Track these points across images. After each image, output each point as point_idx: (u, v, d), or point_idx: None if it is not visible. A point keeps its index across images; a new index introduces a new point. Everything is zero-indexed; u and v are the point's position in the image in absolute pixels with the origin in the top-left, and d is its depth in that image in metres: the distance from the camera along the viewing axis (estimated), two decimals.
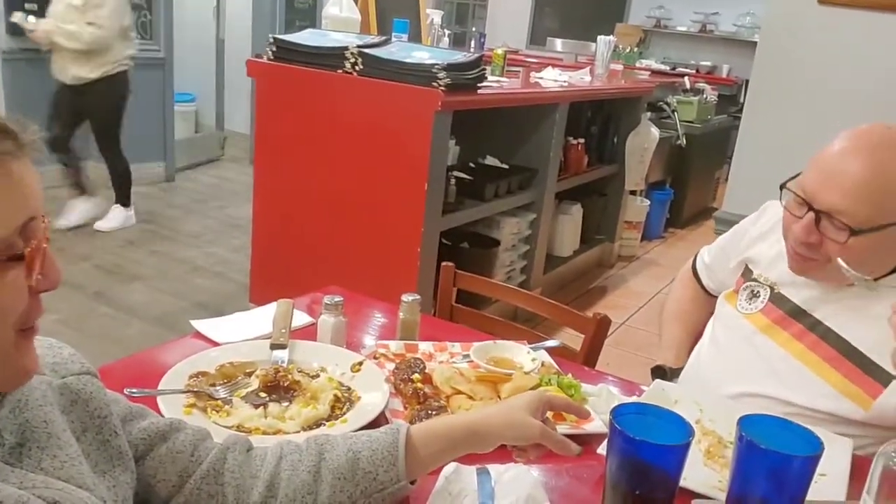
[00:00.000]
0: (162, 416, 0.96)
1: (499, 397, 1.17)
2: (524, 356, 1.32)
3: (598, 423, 1.12)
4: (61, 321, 3.22)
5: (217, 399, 1.09)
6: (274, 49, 2.83)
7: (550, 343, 1.44)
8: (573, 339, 1.66)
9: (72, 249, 4.05)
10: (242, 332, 1.35)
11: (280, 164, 2.99)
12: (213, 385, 1.13)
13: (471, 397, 1.16)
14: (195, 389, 1.10)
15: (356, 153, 2.75)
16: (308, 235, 2.96)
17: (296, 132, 2.89)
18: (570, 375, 1.23)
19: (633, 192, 4.60)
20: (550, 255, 3.90)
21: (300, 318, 1.44)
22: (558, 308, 1.65)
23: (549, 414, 1.09)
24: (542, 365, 1.28)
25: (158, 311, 3.43)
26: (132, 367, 1.22)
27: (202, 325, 1.37)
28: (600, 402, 1.20)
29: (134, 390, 1.06)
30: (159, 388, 1.08)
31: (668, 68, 7.17)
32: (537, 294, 3.63)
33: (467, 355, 1.31)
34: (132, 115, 4.48)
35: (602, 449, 1.07)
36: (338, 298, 1.30)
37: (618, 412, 0.88)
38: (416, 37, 3.82)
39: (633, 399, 1.21)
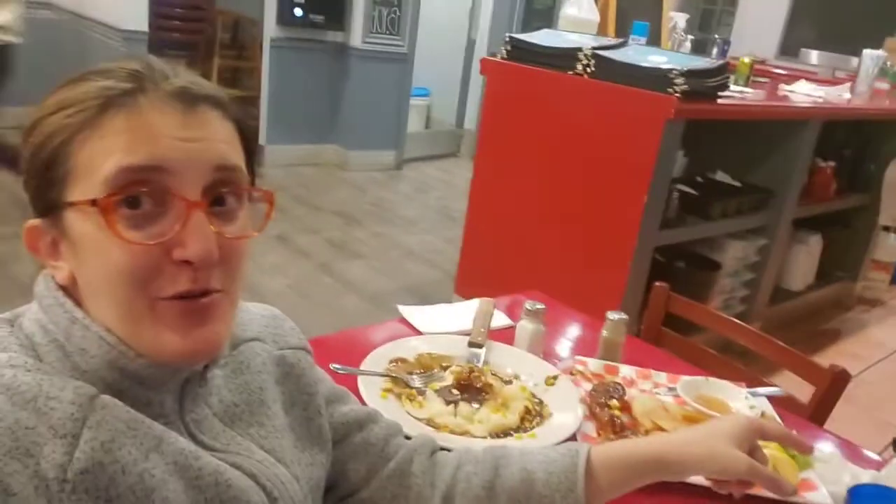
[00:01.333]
0: (361, 397, 0.99)
1: None
2: (741, 401, 1.18)
3: (823, 494, 0.96)
4: (290, 286, 3.54)
5: (412, 388, 1.10)
6: (508, 48, 2.84)
7: (773, 391, 1.27)
8: (797, 386, 1.46)
9: (305, 221, 4.44)
10: (444, 323, 1.36)
11: (499, 162, 3.01)
12: (411, 373, 1.14)
13: None
14: (394, 374, 1.11)
15: (576, 157, 2.68)
16: (517, 235, 2.95)
17: (519, 132, 2.89)
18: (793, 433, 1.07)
19: (885, 228, 4.01)
20: (779, 287, 3.53)
21: (500, 319, 1.42)
22: (788, 353, 1.46)
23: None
24: (762, 415, 1.14)
25: (372, 288, 3.63)
26: (341, 342, 1.28)
27: (408, 312, 1.40)
28: (828, 469, 1.03)
29: (338, 367, 1.11)
30: (361, 367, 1.11)
31: None
32: (757, 329, 3.32)
33: (674, 388, 1.20)
34: (369, 105, 4.77)
35: None
36: (539, 306, 1.26)
37: (856, 494, 0.74)
38: (655, 40, 3.64)
39: (871, 475, 1.02)
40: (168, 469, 0.57)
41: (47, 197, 0.59)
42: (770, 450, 1.00)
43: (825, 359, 1.37)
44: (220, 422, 0.67)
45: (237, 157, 0.62)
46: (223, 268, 0.60)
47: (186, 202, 0.57)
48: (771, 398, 1.24)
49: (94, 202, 0.55)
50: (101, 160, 0.56)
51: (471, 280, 3.22)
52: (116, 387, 0.59)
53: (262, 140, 5.56)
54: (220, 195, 0.60)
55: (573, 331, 1.48)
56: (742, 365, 1.56)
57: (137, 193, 0.56)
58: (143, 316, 0.58)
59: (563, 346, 1.35)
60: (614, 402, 1.09)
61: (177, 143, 0.57)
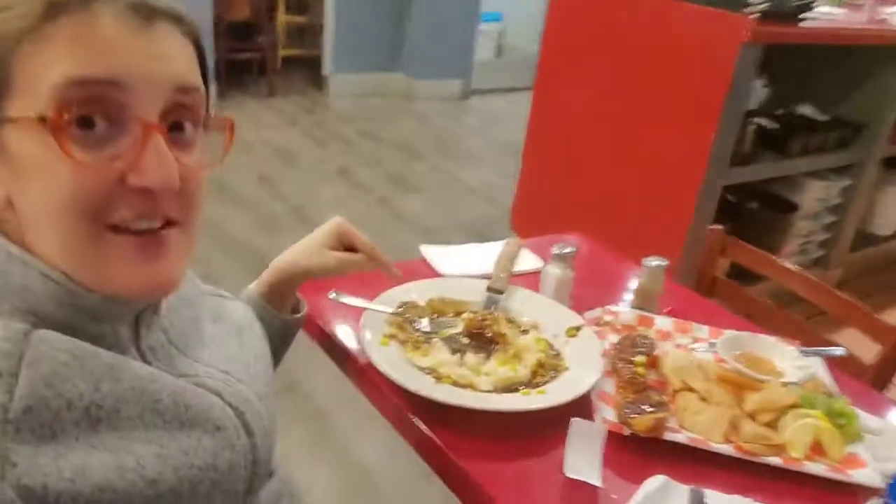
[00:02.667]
0: (360, 341, 0.93)
1: (740, 408, 0.93)
2: (789, 360, 1.05)
3: (869, 473, 0.84)
4: (349, 219, 3.52)
5: (419, 333, 1.02)
6: None
7: (831, 350, 1.13)
8: (863, 345, 1.31)
9: (367, 154, 4.38)
10: (468, 266, 1.27)
11: (558, 90, 2.83)
12: (420, 318, 1.06)
13: (703, 399, 0.94)
14: (400, 313, 1.04)
15: (641, 85, 2.48)
16: (575, 171, 2.80)
17: (580, 56, 2.70)
18: (845, 399, 0.94)
19: None
20: (863, 231, 3.25)
21: (531, 262, 1.32)
22: (852, 306, 1.30)
23: (806, 442, 0.85)
24: (812, 378, 1.01)
25: (427, 223, 3.56)
26: (350, 280, 1.20)
27: (429, 252, 1.32)
28: (881, 444, 0.91)
29: (341, 295, 1.05)
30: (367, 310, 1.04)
31: None
32: (838, 276, 3.08)
33: (714, 344, 1.08)
34: (436, 30, 4.60)
35: None
36: (568, 249, 1.15)
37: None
38: None
39: None
40: (122, 397, 0.54)
41: None
42: (814, 420, 0.89)
43: None
44: (175, 349, 0.65)
45: (197, 79, 0.58)
46: (181, 199, 0.57)
47: (144, 124, 0.53)
48: (827, 358, 1.11)
49: (42, 119, 0.50)
50: (46, 70, 0.50)
51: (527, 218, 3.11)
52: (65, 322, 0.55)
53: (327, 69, 5.49)
54: (178, 121, 0.56)
55: (611, 278, 1.36)
56: (804, 319, 1.41)
57: (90, 111, 0.51)
58: (93, 248, 0.54)
59: (597, 295, 1.24)
60: (639, 358, 0.98)
61: (135, 58, 0.52)
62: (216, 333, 0.73)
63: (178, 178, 0.54)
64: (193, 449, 0.58)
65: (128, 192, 0.53)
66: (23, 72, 0.51)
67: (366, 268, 0.95)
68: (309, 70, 6.03)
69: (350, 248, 0.95)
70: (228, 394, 0.65)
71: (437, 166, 4.37)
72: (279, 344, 0.91)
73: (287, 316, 0.92)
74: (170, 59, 0.54)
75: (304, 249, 0.92)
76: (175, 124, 0.56)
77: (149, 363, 0.62)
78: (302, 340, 1.08)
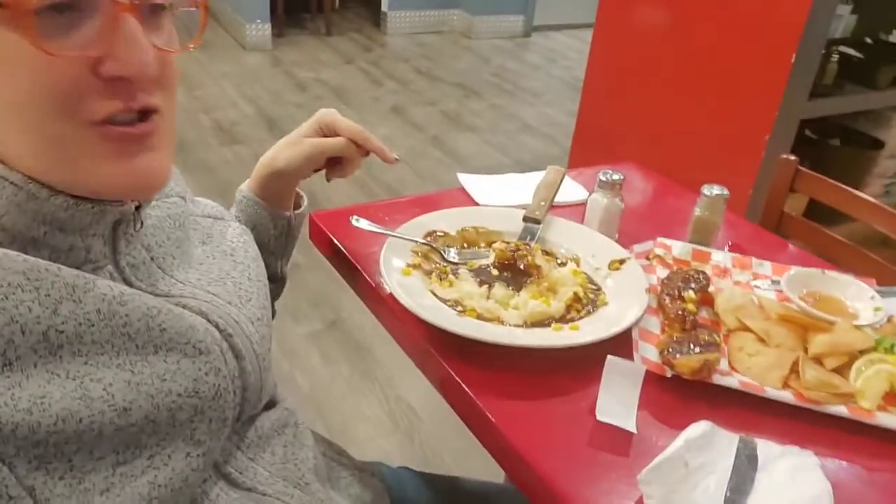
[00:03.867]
0: (381, 271, 0.87)
1: (804, 351, 0.83)
2: (864, 300, 0.93)
3: None
4: (400, 157, 3.45)
5: (446, 263, 0.94)
6: None
7: None
8: None
9: (423, 93, 4.27)
10: (507, 195, 1.18)
11: (621, 21, 2.64)
12: (449, 247, 0.98)
13: (761, 340, 0.84)
14: (428, 243, 0.96)
15: (710, 8, 2.28)
16: (637, 104, 2.63)
17: None
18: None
19: None
20: None
21: (576, 193, 1.22)
22: None
23: (880, 391, 0.75)
24: (889, 321, 0.88)
25: (481, 163, 3.46)
26: (381, 208, 1.13)
27: (467, 181, 1.23)
28: None
29: (360, 220, 0.98)
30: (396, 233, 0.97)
31: None
32: None
33: (777, 282, 0.97)
34: None
35: None
36: (616, 176, 1.04)
37: None
38: None
39: None
40: (86, 320, 0.49)
41: None
42: (890, 366, 0.78)
43: None
44: (158, 268, 0.61)
45: None
46: (158, 84, 0.52)
47: (116, 4, 0.48)
48: None
49: (2, 4, 0.45)
50: None
51: (586, 157, 2.96)
52: (27, 234, 0.50)
53: (385, 7, 5.35)
54: (151, 1, 0.51)
55: (666, 209, 1.24)
56: (884, 260, 1.27)
57: None
58: (70, 147, 0.49)
59: (649, 229, 1.13)
60: (690, 294, 0.88)
61: None
62: (205, 255, 0.68)
63: (156, 63, 0.50)
64: (171, 374, 0.53)
65: (102, 81, 0.48)
66: None
67: (347, 153, 0.86)
68: (367, 7, 5.90)
69: (332, 160, 0.88)
70: (215, 315, 0.60)
71: (494, 104, 4.23)
72: (284, 242, 0.89)
73: (286, 213, 0.87)
74: None
75: (284, 142, 0.86)
76: (150, 6, 0.51)
77: (128, 281, 0.57)
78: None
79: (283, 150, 0.85)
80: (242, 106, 3.80)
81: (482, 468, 0.99)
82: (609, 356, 0.75)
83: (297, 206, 0.91)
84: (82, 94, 0.48)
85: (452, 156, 3.51)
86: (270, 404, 0.74)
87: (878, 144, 2.55)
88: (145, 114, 0.52)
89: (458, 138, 3.73)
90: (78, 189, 0.51)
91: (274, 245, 0.88)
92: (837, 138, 2.59)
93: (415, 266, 0.92)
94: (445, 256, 0.96)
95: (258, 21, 4.70)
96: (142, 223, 0.60)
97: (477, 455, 0.80)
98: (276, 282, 0.92)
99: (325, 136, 0.86)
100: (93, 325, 0.49)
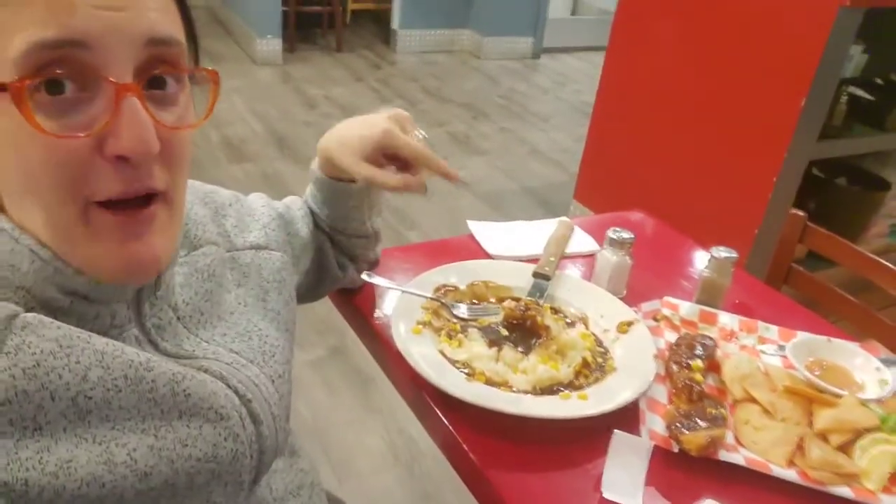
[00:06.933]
0: (388, 326, 0.88)
1: (809, 426, 0.83)
2: (870, 372, 0.93)
3: None
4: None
5: (456, 320, 0.95)
6: None
7: None
8: None
9: (431, 114, 4.29)
10: (517, 246, 1.19)
11: (633, 52, 2.66)
12: (460, 302, 0.99)
13: (767, 412, 0.84)
14: (438, 299, 0.97)
15: (723, 46, 2.29)
16: (645, 137, 2.64)
17: (659, 15, 2.52)
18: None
19: None
20: None
21: (585, 244, 1.22)
22: None
23: (885, 473, 0.76)
24: (895, 395, 0.89)
25: (490, 187, 3.47)
26: (388, 258, 1.14)
27: (478, 229, 1.24)
28: None
29: (374, 276, 0.99)
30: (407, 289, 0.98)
31: None
32: None
33: (783, 347, 0.97)
34: None
35: None
36: (626, 234, 1.05)
37: None
38: None
39: None
40: (114, 386, 0.50)
41: None
42: (895, 447, 0.78)
43: None
44: (184, 328, 0.62)
45: (174, 29, 0.52)
46: (164, 164, 0.52)
47: (116, 85, 0.48)
48: None
49: (3, 87, 0.46)
50: (5, 34, 0.46)
51: (592, 186, 2.97)
52: (55, 304, 0.52)
53: (395, 24, 5.38)
54: (155, 76, 0.51)
55: (674, 265, 1.25)
56: (891, 316, 1.27)
57: (56, 75, 0.47)
58: (76, 225, 0.50)
59: (657, 284, 1.14)
60: (698, 363, 0.88)
61: (96, 12, 0.47)
62: (237, 301, 0.69)
63: (157, 142, 0.49)
64: (192, 439, 0.54)
65: (105, 161, 0.49)
66: None
67: (398, 190, 0.85)
68: (378, 24, 5.94)
69: (395, 157, 0.86)
70: (236, 379, 0.61)
71: (503, 128, 4.24)
72: (368, 205, 0.93)
73: (359, 184, 0.89)
74: (137, 9, 0.49)
75: (344, 144, 0.85)
76: (154, 80, 0.51)
77: (153, 342, 0.59)
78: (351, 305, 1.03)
79: (342, 156, 0.85)
80: (252, 122, 3.83)
81: None
82: (616, 431, 0.75)
83: None
84: (86, 173, 0.48)
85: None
86: (290, 453, 0.75)
87: (885, 185, 2.55)
88: (148, 198, 0.52)
89: (467, 161, 3.74)
90: (80, 267, 0.51)
91: (356, 213, 0.92)
92: (844, 177, 2.59)
93: (425, 323, 0.93)
94: (455, 313, 0.96)
95: (269, 36, 4.73)
96: (165, 285, 0.61)
97: None
98: (368, 237, 0.96)
99: (389, 158, 0.86)
100: (120, 391, 0.50)
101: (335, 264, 0.94)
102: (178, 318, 0.62)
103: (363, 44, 5.55)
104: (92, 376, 0.49)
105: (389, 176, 0.84)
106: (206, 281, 0.66)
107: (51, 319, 0.50)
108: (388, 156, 0.85)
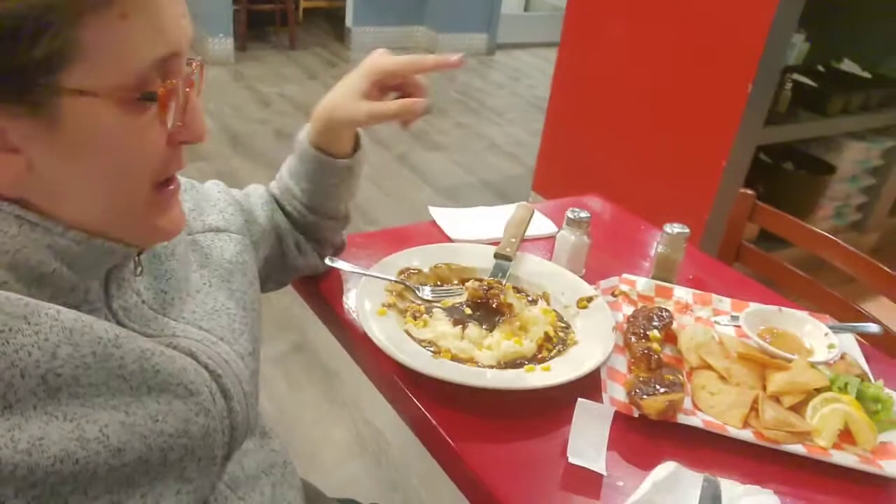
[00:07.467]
0: (353, 310, 0.88)
1: (763, 389, 0.86)
2: (818, 338, 0.97)
3: None
4: (366, 176, 3.44)
5: (420, 301, 0.96)
6: None
7: (866, 327, 1.05)
8: None
9: None
10: (479, 230, 1.21)
11: (585, 45, 2.71)
12: (424, 285, 1.00)
13: (722, 378, 0.88)
14: (402, 281, 0.98)
15: (671, 37, 2.35)
16: (599, 127, 2.69)
17: (609, 9, 2.56)
18: (880, 383, 0.87)
19: None
20: None
21: (545, 227, 1.25)
22: (887, 277, 1.21)
23: (835, 429, 0.79)
24: (843, 357, 0.93)
25: (448, 182, 3.49)
26: (352, 243, 1.14)
27: (440, 215, 1.25)
28: None
29: (337, 261, 0.99)
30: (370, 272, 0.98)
31: None
32: (875, 241, 2.95)
33: (736, 318, 1.01)
34: None
35: None
36: (583, 214, 1.07)
37: None
38: None
39: None
40: (83, 363, 0.50)
41: (15, 77, 0.48)
42: (844, 405, 0.82)
43: None
44: (150, 309, 0.63)
45: None
46: None
47: (188, 82, 0.56)
48: (861, 336, 1.03)
49: (151, 96, 0.52)
50: (129, 46, 0.50)
51: (549, 178, 3.01)
52: (39, 270, 0.53)
53: (349, 22, 5.36)
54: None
55: (630, 244, 1.28)
56: (839, 293, 1.32)
57: (175, 85, 0.54)
58: (144, 204, 0.56)
59: (614, 263, 1.16)
60: (655, 333, 0.91)
61: (183, 24, 0.54)
62: (202, 281, 0.70)
63: None
64: (163, 415, 0.55)
65: (171, 147, 0.56)
66: (95, 45, 0.48)
67: (402, 115, 0.86)
68: (331, 22, 5.91)
69: (394, 87, 0.87)
70: (205, 355, 0.62)
71: (460, 123, 4.27)
72: (346, 186, 0.93)
73: (345, 161, 0.90)
74: (188, 15, 0.55)
75: (337, 97, 0.86)
76: None
77: (121, 323, 0.59)
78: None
79: (337, 108, 0.85)
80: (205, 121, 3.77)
81: (450, 491, 1.00)
82: (580, 399, 0.77)
83: (358, 145, 0.92)
84: (161, 160, 0.56)
85: (419, 174, 3.53)
86: (260, 435, 0.76)
87: (830, 169, 2.65)
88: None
89: (425, 156, 3.75)
90: (134, 239, 0.58)
91: (334, 191, 0.92)
92: (791, 162, 2.68)
93: (389, 305, 0.94)
94: (420, 295, 0.97)
95: (221, 35, 4.67)
96: (142, 269, 0.62)
97: (445, 479, 0.81)
98: (339, 219, 0.97)
99: (386, 86, 0.86)
100: (89, 368, 0.51)
101: (294, 251, 0.94)
102: (144, 302, 0.63)
103: (317, 42, 5.51)
104: (61, 353, 0.49)
105: (390, 103, 0.85)
106: (167, 261, 0.67)
107: (18, 296, 0.49)
108: (386, 89, 0.87)
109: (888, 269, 1.23)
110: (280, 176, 0.96)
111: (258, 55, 5.03)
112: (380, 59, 0.85)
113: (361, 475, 1.82)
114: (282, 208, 0.94)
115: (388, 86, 0.87)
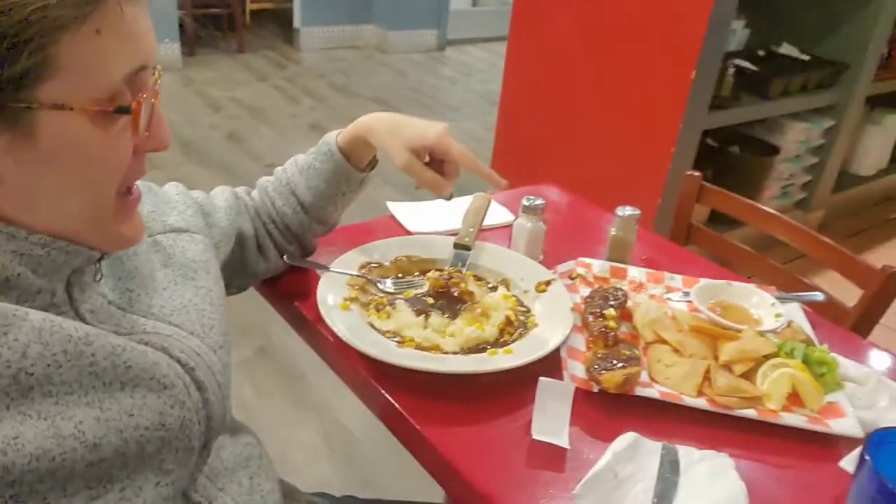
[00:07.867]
0: (319, 306, 0.90)
1: (715, 359, 0.90)
2: (766, 308, 1.02)
3: (850, 423, 0.81)
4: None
5: (382, 294, 0.98)
6: None
7: (810, 296, 1.10)
8: (846, 291, 1.28)
9: (341, 110, 4.27)
10: (437, 222, 1.22)
11: (532, 38, 2.75)
12: (385, 278, 1.02)
13: (676, 350, 0.91)
14: (364, 275, 0.99)
15: (615, 27, 2.40)
16: (551, 118, 2.73)
17: (554, 1, 2.60)
18: (824, 347, 0.91)
19: None
20: (846, 172, 3.24)
21: (501, 216, 1.27)
22: (832, 249, 1.27)
23: (784, 393, 0.83)
24: (789, 325, 0.97)
25: (405, 178, 3.48)
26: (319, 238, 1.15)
27: (397, 209, 1.26)
28: (863, 393, 0.88)
29: (296, 258, 1.00)
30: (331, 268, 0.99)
31: None
32: (820, 218, 3.06)
33: (688, 294, 1.05)
34: None
35: (847, 464, 0.78)
36: (538, 201, 1.10)
37: (876, 439, 0.59)
38: None
39: None
40: (54, 361, 0.51)
41: None
42: (792, 369, 0.86)
43: (893, 250, 1.18)
44: (118, 308, 0.64)
45: None
46: None
47: (153, 93, 0.57)
48: (806, 304, 1.08)
49: (125, 109, 0.53)
50: (103, 61, 0.51)
51: (506, 170, 3.02)
52: (4, 274, 0.54)
53: (297, 23, 5.33)
54: None
55: (585, 229, 1.32)
56: (784, 267, 1.38)
57: (143, 98, 0.55)
58: (109, 212, 0.58)
59: (571, 248, 1.19)
60: (611, 312, 0.94)
61: (150, 38, 0.55)
62: (167, 279, 0.71)
63: None
64: (138, 409, 0.56)
65: (137, 156, 0.58)
66: (71, 61, 0.49)
67: (429, 188, 0.94)
68: (279, 24, 5.86)
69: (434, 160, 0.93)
70: (177, 349, 0.63)
71: None
72: (352, 197, 0.99)
73: (362, 174, 0.97)
74: (152, 29, 0.56)
75: (393, 129, 0.91)
76: None
77: (91, 325, 0.59)
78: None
79: (387, 140, 0.91)
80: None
81: (421, 487, 1.03)
82: (541, 378, 0.80)
83: (374, 163, 0.99)
84: (130, 166, 0.57)
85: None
86: (235, 430, 0.76)
87: (774, 150, 2.74)
88: None
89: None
90: (100, 244, 0.59)
91: (340, 199, 0.97)
92: (737, 145, 2.76)
93: (352, 299, 0.95)
94: (381, 287, 0.99)
95: (166, 40, 4.59)
96: (101, 275, 0.62)
97: (416, 474, 0.83)
98: (327, 226, 1.01)
99: (433, 153, 0.93)
100: (61, 367, 0.51)
101: (256, 256, 0.95)
102: (110, 302, 0.63)
103: (265, 44, 5.46)
104: (31, 353, 0.50)
105: (426, 173, 0.92)
106: (129, 261, 0.68)
107: None
108: (427, 156, 0.93)
109: (834, 243, 1.28)
110: (284, 169, 0.98)
111: (206, 60, 4.96)
112: (448, 141, 0.92)
113: (332, 474, 1.83)
114: (271, 201, 0.96)
115: (432, 157, 0.93)
